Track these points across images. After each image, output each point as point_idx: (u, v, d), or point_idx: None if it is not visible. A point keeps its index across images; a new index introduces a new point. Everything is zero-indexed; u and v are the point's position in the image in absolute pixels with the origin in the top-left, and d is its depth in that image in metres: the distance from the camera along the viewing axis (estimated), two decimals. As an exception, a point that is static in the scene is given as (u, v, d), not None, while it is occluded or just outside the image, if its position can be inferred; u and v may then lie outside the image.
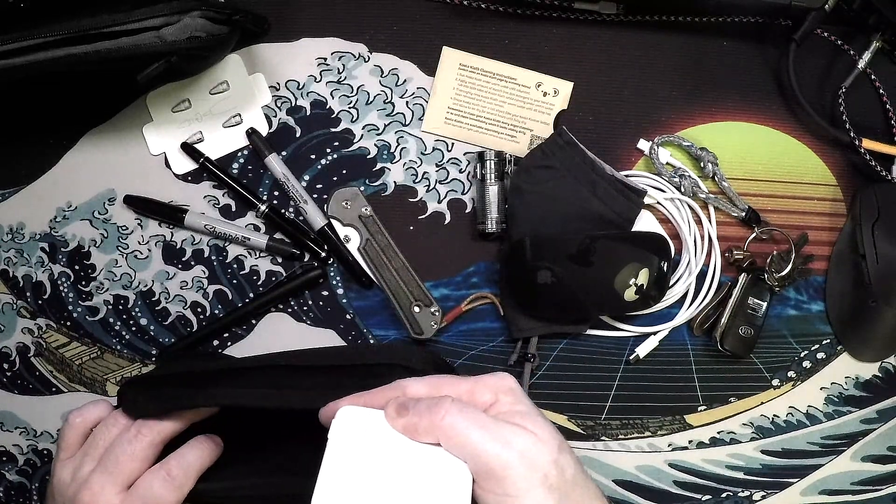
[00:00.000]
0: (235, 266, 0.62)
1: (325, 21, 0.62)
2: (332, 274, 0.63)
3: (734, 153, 0.64)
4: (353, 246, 0.62)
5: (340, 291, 0.63)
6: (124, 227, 0.62)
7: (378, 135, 0.63)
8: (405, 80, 0.63)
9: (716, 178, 0.63)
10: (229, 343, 0.63)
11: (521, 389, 0.43)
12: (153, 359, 0.62)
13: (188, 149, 0.62)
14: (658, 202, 0.63)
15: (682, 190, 0.62)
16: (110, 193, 0.62)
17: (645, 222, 0.62)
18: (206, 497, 0.49)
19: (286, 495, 0.50)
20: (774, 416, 0.64)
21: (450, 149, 0.63)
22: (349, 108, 0.63)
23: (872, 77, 0.64)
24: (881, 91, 0.64)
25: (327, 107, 0.63)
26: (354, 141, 0.63)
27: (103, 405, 0.51)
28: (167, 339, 0.62)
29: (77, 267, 0.62)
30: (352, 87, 0.63)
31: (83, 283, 0.62)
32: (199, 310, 0.62)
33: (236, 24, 0.56)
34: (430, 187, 0.63)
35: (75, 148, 0.62)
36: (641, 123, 0.63)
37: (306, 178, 0.63)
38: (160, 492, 0.46)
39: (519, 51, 0.63)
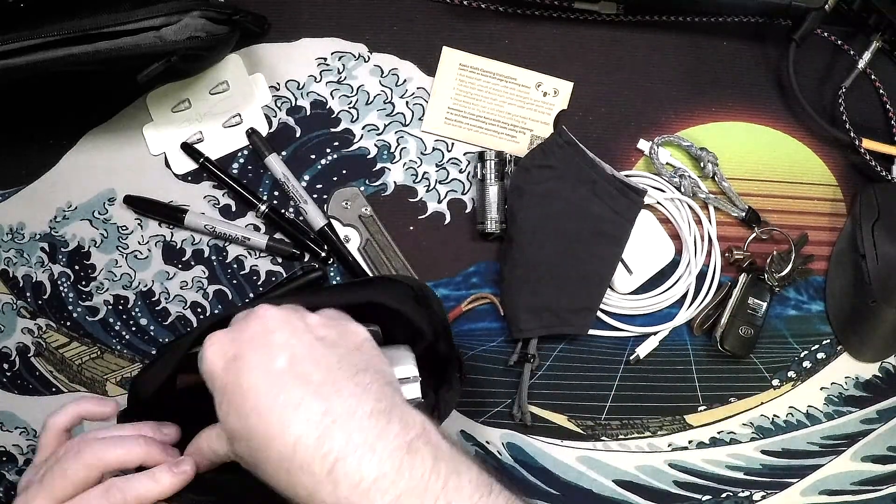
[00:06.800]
0: (235, 266, 0.63)
1: (325, 21, 0.63)
2: (332, 274, 0.63)
3: (734, 153, 0.64)
4: (353, 246, 0.62)
5: (340, 291, 0.63)
6: (124, 227, 0.62)
7: (378, 135, 0.63)
8: (405, 80, 0.63)
9: (716, 178, 0.63)
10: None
11: None
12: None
13: (188, 149, 0.62)
14: (658, 202, 0.63)
15: (682, 190, 0.62)
16: (110, 193, 0.62)
17: (645, 222, 0.62)
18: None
19: None
20: (774, 416, 0.64)
21: (450, 149, 0.63)
22: (349, 108, 0.63)
23: (872, 77, 0.64)
24: (881, 91, 0.64)
25: (327, 107, 0.63)
26: (354, 141, 0.63)
27: (79, 406, 0.49)
28: (167, 339, 0.62)
29: (77, 267, 0.62)
30: (352, 87, 0.63)
31: (83, 283, 0.62)
32: (199, 310, 0.62)
33: (236, 24, 0.56)
34: (430, 187, 0.63)
35: (75, 148, 0.62)
36: (641, 123, 0.63)
37: (306, 178, 0.63)
38: None
39: (519, 51, 0.63)
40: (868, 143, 0.62)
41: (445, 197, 0.63)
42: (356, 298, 0.49)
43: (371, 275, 0.62)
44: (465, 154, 0.63)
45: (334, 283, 0.62)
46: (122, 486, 0.44)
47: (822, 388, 0.64)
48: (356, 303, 0.48)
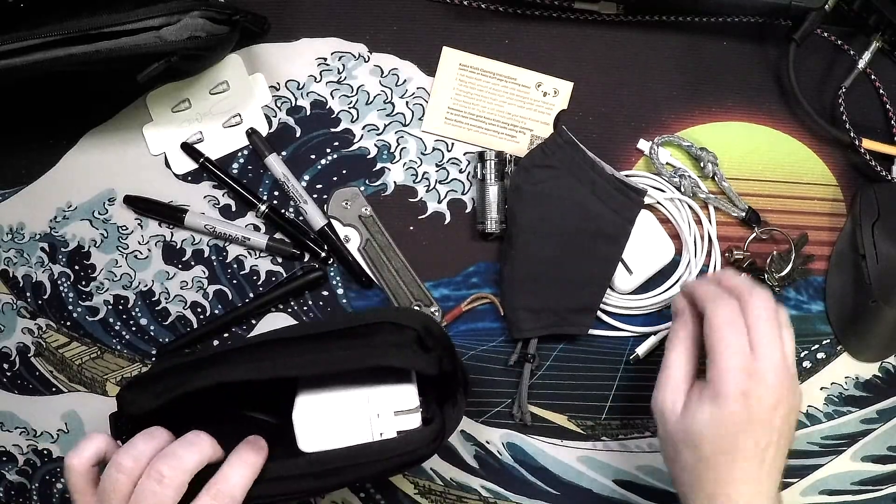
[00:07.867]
0: (235, 266, 0.63)
1: (325, 21, 0.63)
2: (332, 274, 0.63)
3: (734, 153, 0.64)
4: (353, 246, 0.62)
5: (340, 291, 0.63)
6: (124, 227, 0.62)
7: (378, 135, 0.63)
8: (405, 80, 0.63)
9: (716, 178, 0.63)
10: (229, 343, 0.62)
11: None
12: (153, 359, 0.63)
13: (188, 149, 0.62)
14: (658, 202, 0.63)
15: (682, 190, 0.62)
16: (110, 193, 0.62)
17: (645, 222, 0.62)
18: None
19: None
20: (774, 416, 0.64)
21: (450, 149, 0.63)
22: (349, 108, 0.63)
23: (872, 77, 0.64)
24: (881, 91, 0.64)
25: (327, 107, 0.63)
26: (354, 141, 0.63)
27: (98, 439, 0.47)
28: (167, 339, 0.62)
29: (77, 267, 0.62)
30: (352, 87, 0.63)
31: (83, 283, 0.62)
32: (199, 310, 0.62)
33: (236, 24, 0.56)
34: (430, 187, 0.63)
35: (75, 148, 0.62)
36: (641, 123, 0.63)
37: (306, 178, 0.63)
38: None
39: (519, 51, 0.63)
40: (868, 143, 0.62)
41: (445, 197, 0.63)
42: (365, 360, 0.48)
43: (372, 277, 0.62)
44: (465, 154, 0.63)
45: (343, 306, 0.63)
46: (222, 486, 0.44)
47: (822, 388, 0.64)
48: (366, 367, 0.48)
